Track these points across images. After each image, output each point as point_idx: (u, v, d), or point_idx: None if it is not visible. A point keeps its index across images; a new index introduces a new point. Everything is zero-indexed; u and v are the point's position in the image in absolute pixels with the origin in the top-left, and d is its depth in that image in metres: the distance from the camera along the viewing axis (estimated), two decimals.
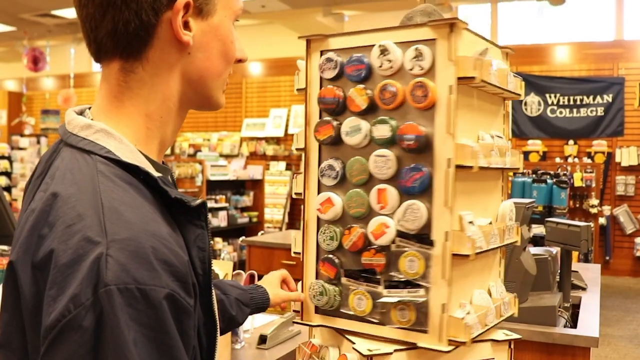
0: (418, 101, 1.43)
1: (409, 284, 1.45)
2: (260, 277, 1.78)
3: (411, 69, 1.45)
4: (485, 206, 1.59)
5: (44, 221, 0.76)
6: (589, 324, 2.56)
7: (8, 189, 11.10)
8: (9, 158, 11.38)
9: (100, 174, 0.78)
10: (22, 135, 11.94)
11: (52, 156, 0.87)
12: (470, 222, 1.45)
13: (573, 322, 2.65)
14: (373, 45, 1.51)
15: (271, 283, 1.62)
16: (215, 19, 0.90)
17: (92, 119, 0.87)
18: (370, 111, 1.51)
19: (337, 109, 1.57)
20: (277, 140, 10.74)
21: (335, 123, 1.57)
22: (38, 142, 11.71)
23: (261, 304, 1.54)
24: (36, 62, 10.55)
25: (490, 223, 1.53)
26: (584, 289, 3.22)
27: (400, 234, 1.46)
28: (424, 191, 1.43)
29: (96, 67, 13.91)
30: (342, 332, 1.58)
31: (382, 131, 1.48)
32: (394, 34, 1.51)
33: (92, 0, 0.83)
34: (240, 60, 0.96)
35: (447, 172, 1.40)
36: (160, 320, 0.70)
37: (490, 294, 1.59)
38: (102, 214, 0.73)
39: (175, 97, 0.90)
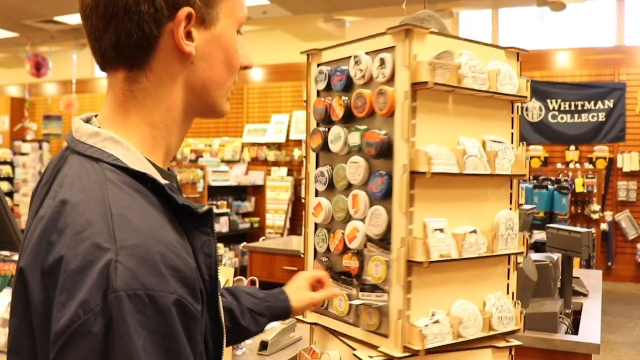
0: (381, 108, 1.47)
1: (378, 288, 1.48)
2: (261, 284, 1.78)
3: (377, 77, 1.49)
4: (475, 214, 1.56)
5: (53, 228, 0.76)
6: (590, 330, 2.56)
7: (10, 194, 11.12)
8: (11, 163, 11.40)
9: (108, 181, 0.79)
10: (24, 140, 11.95)
11: (59, 163, 0.88)
12: (439, 230, 1.45)
13: (574, 329, 2.65)
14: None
15: (297, 287, 1.48)
16: (218, 28, 0.90)
17: (99, 127, 0.88)
18: (349, 119, 1.58)
19: (325, 118, 1.64)
20: (278, 146, 10.73)
21: (323, 132, 1.64)
22: (40, 147, 11.71)
23: (281, 313, 1.42)
24: (39, 67, 10.54)
25: (474, 232, 1.51)
26: (585, 295, 3.22)
27: (369, 239, 1.51)
28: (386, 197, 1.46)
29: (98, 72, 13.75)
30: (335, 334, 1.61)
31: (354, 138, 1.54)
32: (367, 44, 1.55)
33: (95, 12, 0.84)
34: (245, 67, 0.97)
35: (402, 177, 1.42)
36: (168, 327, 0.71)
37: (484, 306, 1.57)
38: (110, 220, 0.73)
39: (179, 106, 0.91)
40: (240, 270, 7.46)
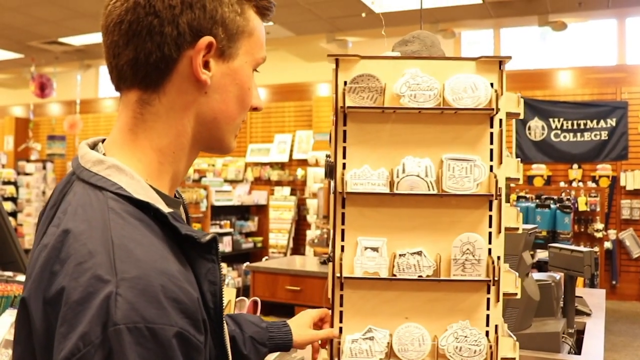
0: (331, 133, 1.56)
1: None
2: (264, 304, 1.79)
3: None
4: (438, 236, 1.53)
5: (56, 257, 0.77)
6: (593, 350, 2.55)
7: (14, 214, 11.18)
8: (15, 183, 11.48)
9: (111, 210, 0.79)
10: (28, 160, 12.06)
11: (65, 188, 0.89)
12: (371, 248, 1.49)
13: (577, 349, 2.64)
14: None
15: (300, 323, 1.50)
16: (236, 63, 0.91)
17: (104, 153, 0.88)
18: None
19: None
20: (281, 166, 10.69)
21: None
22: (44, 167, 11.81)
23: (282, 345, 1.43)
24: (43, 88, 10.63)
25: (419, 253, 1.50)
26: (588, 314, 3.20)
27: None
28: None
29: (102, 93, 13.68)
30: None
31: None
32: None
33: (119, 28, 0.86)
34: (255, 109, 0.98)
35: (331, 197, 1.53)
36: (169, 359, 0.71)
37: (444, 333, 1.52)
38: (112, 251, 0.74)
39: (189, 134, 0.91)
40: (243, 290, 7.45)
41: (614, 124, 8.21)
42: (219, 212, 8.21)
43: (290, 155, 10.57)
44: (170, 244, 0.81)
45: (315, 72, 10.23)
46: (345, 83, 1.51)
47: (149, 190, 0.85)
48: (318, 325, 1.54)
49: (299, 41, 9.53)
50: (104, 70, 13.38)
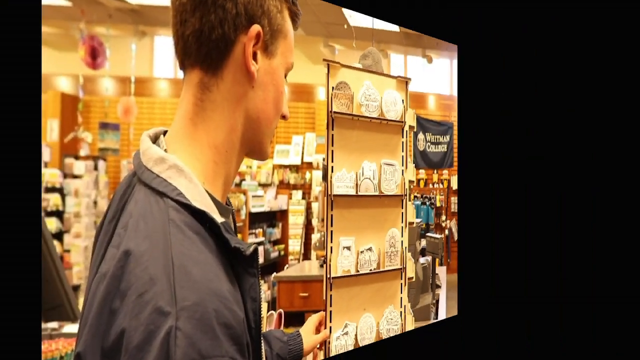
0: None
1: None
2: (286, 314, 1.63)
3: None
4: (380, 232, 1.50)
5: (116, 290, 0.60)
6: (442, 314, 2.81)
7: (59, 235, 6.54)
8: (61, 190, 6.67)
9: (171, 222, 0.62)
10: (77, 157, 7.19)
11: (126, 193, 0.70)
12: (347, 248, 1.41)
13: (436, 315, 2.94)
14: None
15: (307, 330, 1.31)
16: (275, 62, 0.74)
17: (165, 149, 0.70)
18: None
19: None
20: (296, 169, 9.38)
21: None
22: (95, 167, 7.44)
23: (297, 356, 1.21)
24: (95, 55, 6.42)
25: (369, 249, 1.44)
26: (440, 287, 3.56)
27: None
28: None
29: (158, 72, 9.19)
30: None
31: None
32: None
33: None
34: (283, 117, 0.79)
35: (322, 200, 1.55)
36: None
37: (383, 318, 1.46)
38: (172, 275, 0.58)
39: (239, 131, 0.72)
40: (272, 303, 5.58)
41: (448, 139, 9.42)
42: (253, 220, 6.17)
43: (302, 158, 9.46)
44: (221, 259, 0.64)
45: (317, 75, 8.56)
46: (332, 88, 1.42)
47: (205, 196, 0.67)
48: (318, 329, 1.36)
49: (308, 41, 8.57)
50: (159, 42, 9.33)
